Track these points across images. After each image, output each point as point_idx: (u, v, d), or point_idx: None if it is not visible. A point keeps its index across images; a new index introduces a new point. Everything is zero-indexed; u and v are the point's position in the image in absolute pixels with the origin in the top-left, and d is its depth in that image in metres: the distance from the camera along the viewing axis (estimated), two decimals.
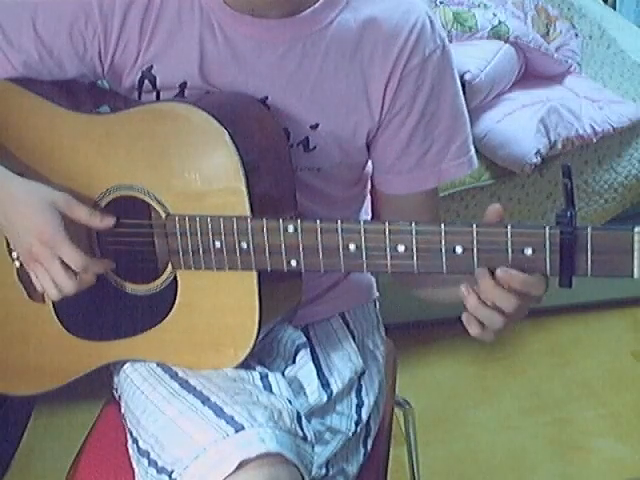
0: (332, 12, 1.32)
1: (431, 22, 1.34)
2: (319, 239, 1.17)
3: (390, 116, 1.35)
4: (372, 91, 1.33)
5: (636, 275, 1.03)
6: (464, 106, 1.41)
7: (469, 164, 1.41)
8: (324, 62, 1.32)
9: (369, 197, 1.54)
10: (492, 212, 1.12)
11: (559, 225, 1.05)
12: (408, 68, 1.32)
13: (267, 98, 1.32)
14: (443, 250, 1.11)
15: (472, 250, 1.09)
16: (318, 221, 1.17)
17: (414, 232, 1.11)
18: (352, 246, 1.15)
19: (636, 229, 1.02)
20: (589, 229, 1.04)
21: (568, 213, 1.04)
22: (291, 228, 1.18)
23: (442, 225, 1.10)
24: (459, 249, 1.09)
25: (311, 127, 1.34)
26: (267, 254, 1.20)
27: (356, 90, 1.33)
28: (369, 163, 1.47)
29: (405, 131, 1.36)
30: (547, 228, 1.05)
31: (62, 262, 1.25)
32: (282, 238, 1.19)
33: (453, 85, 1.38)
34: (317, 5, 1.31)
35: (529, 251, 1.07)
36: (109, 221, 1.29)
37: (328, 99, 1.33)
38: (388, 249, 1.14)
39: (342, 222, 1.16)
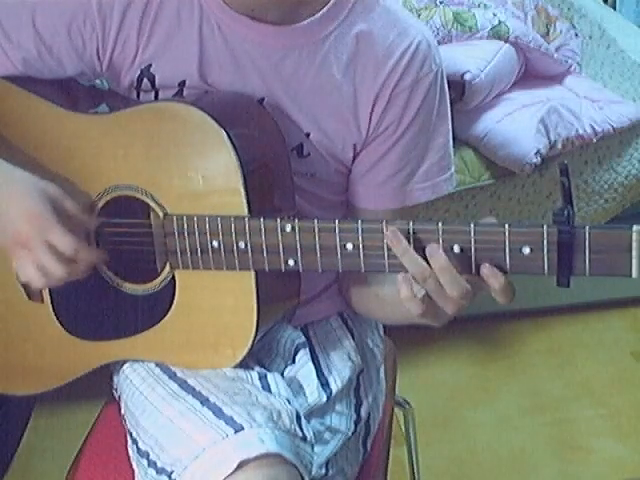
0: (330, 25, 1.32)
1: (429, 45, 1.34)
2: (316, 238, 1.17)
3: (376, 133, 1.35)
4: (361, 107, 1.33)
5: (634, 274, 1.02)
6: (447, 131, 1.40)
7: (432, 190, 1.40)
8: (318, 74, 1.32)
9: None
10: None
11: (557, 223, 1.04)
12: (398, 89, 1.32)
13: (264, 99, 1.33)
14: (441, 249, 1.11)
15: (470, 249, 1.09)
16: (315, 221, 1.17)
17: (412, 231, 1.11)
18: (349, 245, 1.15)
19: (634, 228, 1.01)
20: (587, 228, 1.03)
21: (565, 212, 1.04)
22: (288, 228, 1.18)
23: (440, 224, 1.10)
24: (457, 248, 1.09)
25: (305, 134, 1.35)
26: (265, 254, 1.20)
27: (347, 104, 1.33)
28: None
29: (383, 147, 1.36)
30: (545, 227, 1.05)
31: (50, 247, 1.20)
32: (279, 238, 1.19)
33: (436, 111, 1.37)
34: (316, 16, 1.31)
35: (527, 250, 1.07)
36: (96, 220, 1.28)
37: (319, 110, 1.34)
38: (385, 248, 1.13)
39: (339, 222, 1.16)
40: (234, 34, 1.31)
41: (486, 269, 1.09)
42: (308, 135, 1.34)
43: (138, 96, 1.37)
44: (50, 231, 1.21)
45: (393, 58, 1.31)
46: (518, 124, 2.45)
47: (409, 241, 1.12)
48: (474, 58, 2.46)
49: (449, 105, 1.40)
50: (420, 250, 1.12)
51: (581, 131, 2.50)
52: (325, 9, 1.31)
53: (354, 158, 1.38)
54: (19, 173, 1.26)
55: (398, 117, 1.33)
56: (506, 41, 2.58)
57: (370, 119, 1.34)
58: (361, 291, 1.42)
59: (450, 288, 1.10)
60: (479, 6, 2.66)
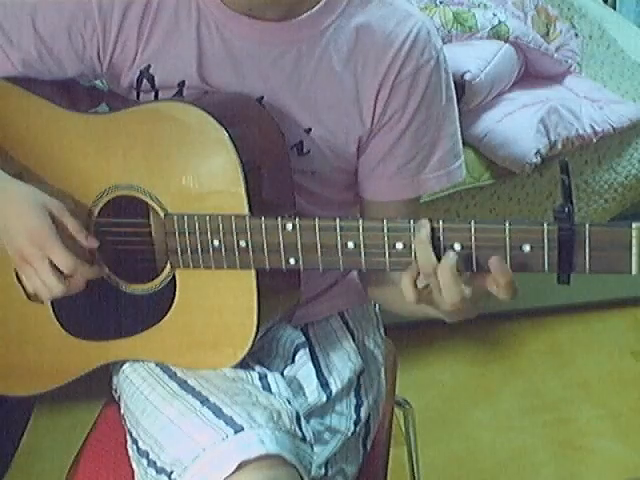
0: (328, 18, 1.32)
1: (428, 32, 1.34)
2: (317, 237, 1.17)
3: (380, 124, 1.35)
4: (364, 98, 1.33)
5: (634, 271, 1.03)
6: (455, 118, 1.40)
7: (447, 177, 1.40)
8: (318, 67, 1.32)
9: None
10: None
11: (557, 221, 1.05)
12: (400, 77, 1.32)
13: (262, 98, 1.33)
14: (441, 247, 1.11)
15: (470, 247, 1.09)
16: (316, 219, 1.17)
17: (412, 229, 1.11)
18: (350, 244, 1.15)
19: (634, 225, 1.02)
20: (587, 225, 1.04)
21: (566, 209, 1.04)
22: (289, 226, 1.18)
23: (441, 222, 1.10)
24: (457, 246, 1.09)
25: (305, 131, 1.34)
26: (266, 252, 1.20)
27: (348, 97, 1.33)
28: None
29: (391, 138, 1.35)
30: (545, 224, 1.06)
31: (51, 264, 1.25)
32: (280, 236, 1.19)
33: (444, 97, 1.37)
34: (314, 10, 1.31)
35: (527, 248, 1.07)
36: (93, 242, 1.29)
37: (321, 104, 1.33)
38: (386, 246, 1.14)
39: (340, 220, 1.16)
40: (232, 33, 1.31)
41: (496, 261, 1.09)
42: (309, 130, 1.34)
43: (138, 97, 1.37)
44: (50, 249, 1.24)
45: (394, 47, 1.31)
46: (518, 124, 2.45)
47: (410, 239, 1.12)
48: (474, 58, 2.46)
49: (454, 92, 1.40)
50: None
51: (581, 131, 2.50)
52: (322, 2, 1.31)
53: (359, 152, 1.38)
54: (20, 187, 1.28)
55: (402, 105, 1.33)
56: (506, 41, 2.58)
57: (374, 110, 1.33)
58: (379, 278, 1.42)
59: (446, 291, 1.11)
60: (479, 6, 2.66)
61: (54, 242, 1.24)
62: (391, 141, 1.35)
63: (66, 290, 1.27)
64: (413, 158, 1.36)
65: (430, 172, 1.38)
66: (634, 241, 1.02)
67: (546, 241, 1.06)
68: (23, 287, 1.39)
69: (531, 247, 1.07)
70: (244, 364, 1.30)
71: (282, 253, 1.20)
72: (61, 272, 1.25)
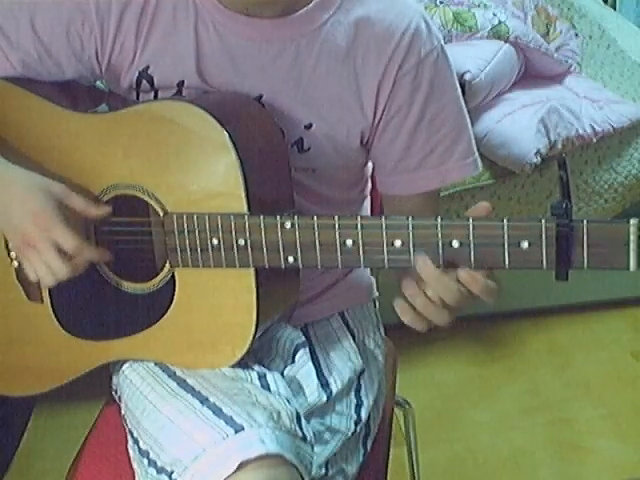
0: (325, 13, 1.32)
1: (426, 23, 1.34)
2: (316, 235, 1.17)
3: (387, 118, 1.35)
4: (365, 92, 1.33)
5: (632, 267, 1.03)
6: (464, 107, 1.41)
7: (474, 165, 1.40)
8: (317, 63, 1.32)
9: (368, 199, 1.54)
10: (480, 209, 1.13)
11: (554, 217, 1.05)
12: (403, 70, 1.32)
13: (261, 97, 1.33)
14: (440, 244, 1.11)
15: (469, 244, 1.09)
16: (315, 217, 1.17)
17: (411, 227, 1.11)
18: (349, 242, 1.15)
19: (632, 221, 1.02)
20: (585, 221, 1.04)
21: (563, 204, 1.04)
22: (288, 224, 1.18)
23: (439, 219, 1.10)
24: (456, 243, 1.09)
25: (305, 127, 1.34)
26: (264, 251, 1.20)
27: (349, 91, 1.33)
28: (369, 165, 1.47)
29: (405, 132, 1.35)
30: (543, 220, 1.06)
31: (56, 246, 1.24)
32: (279, 235, 1.19)
33: (454, 86, 1.38)
34: (310, 6, 1.31)
35: (525, 244, 1.07)
36: (105, 209, 1.29)
37: (321, 99, 1.33)
38: (385, 244, 1.14)
39: (339, 218, 1.16)
40: (230, 32, 1.31)
41: (464, 273, 1.11)
42: (310, 127, 1.34)
43: (138, 97, 1.37)
44: (55, 230, 1.23)
45: (394, 40, 1.31)
46: (518, 124, 2.45)
47: (408, 236, 1.12)
48: (474, 58, 2.46)
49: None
50: (420, 246, 1.12)
51: (581, 131, 2.50)
52: None
53: (368, 150, 1.38)
54: (22, 173, 1.28)
55: (407, 99, 1.33)
56: (506, 41, 2.58)
57: (376, 104, 1.33)
58: None
59: (446, 297, 1.12)
60: (479, 6, 2.66)
61: (59, 223, 1.23)
62: (407, 136, 1.35)
63: (70, 272, 1.25)
64: (434, 149, 1.36)
65: (457, 161, 1.38)
66: (632, 237, 1.02)
67: (544, 238, 1.06)
68: (23, 287, 1.39)
69: (529, 244, 1.07)
70: (243, 364, 1.30)
71: (281, 251, 1.20)
72: (65, 254, 1.24)
